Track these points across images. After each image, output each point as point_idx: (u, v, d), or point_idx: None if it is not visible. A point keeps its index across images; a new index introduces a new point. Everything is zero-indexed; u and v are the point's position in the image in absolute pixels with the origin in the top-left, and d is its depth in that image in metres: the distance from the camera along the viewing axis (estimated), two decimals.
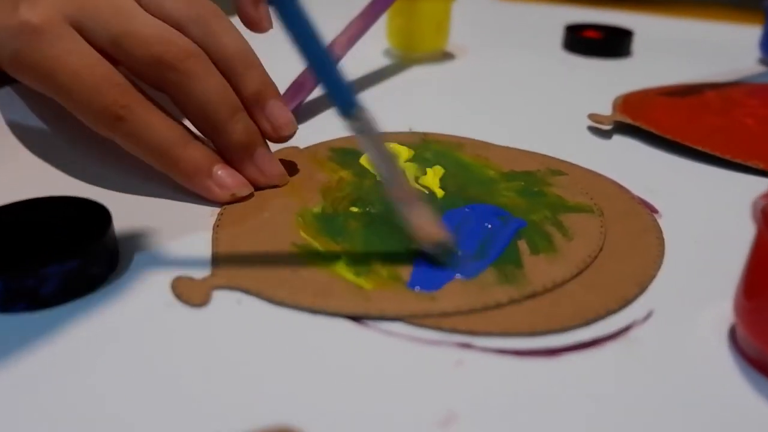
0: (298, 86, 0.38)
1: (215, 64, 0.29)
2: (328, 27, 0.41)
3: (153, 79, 0.28)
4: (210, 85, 0.28)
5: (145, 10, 0.29)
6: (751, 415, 0.19)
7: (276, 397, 0.19)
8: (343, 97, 0.24)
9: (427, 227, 0.25)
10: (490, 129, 0.37)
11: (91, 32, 0.28)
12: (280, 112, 0.31)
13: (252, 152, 0.30)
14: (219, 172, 0.29)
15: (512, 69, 0.49)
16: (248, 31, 0.32)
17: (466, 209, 0.28)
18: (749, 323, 0.21)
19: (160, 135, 0.28)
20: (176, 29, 0.29)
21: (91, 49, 0.28)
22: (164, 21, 0.29)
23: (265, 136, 0.30)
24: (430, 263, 0.25)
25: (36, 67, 0.28)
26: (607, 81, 0.47)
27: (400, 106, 0.41)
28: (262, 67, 0.31)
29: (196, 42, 0.29)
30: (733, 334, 0.22)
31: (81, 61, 0.27)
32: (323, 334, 0.22)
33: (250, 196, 0.29)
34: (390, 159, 0.25)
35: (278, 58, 0.33)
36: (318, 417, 0.18)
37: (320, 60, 0.23)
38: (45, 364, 0.20)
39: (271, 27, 0.32)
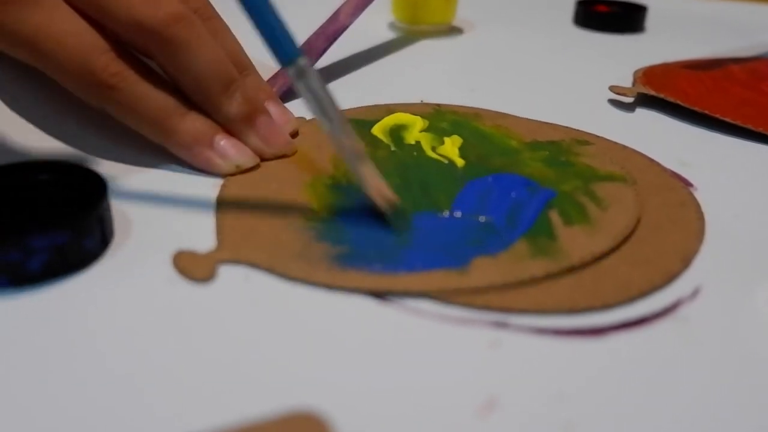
0: (306, 51, 0.36)
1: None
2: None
3: (139, 46, 0.26)
4: (201, 55, 0.26)
5: None
6: None
7: (292, 382, 0.17)
8: (283, 46, 0.22)
9: (380, 185, 0.23)
10: (505, 102, 0.35)
11: None
12: (278, 115, 0.29)
13: (253, 122, 0.27)
14: (221, 143, 0.26)
15: (522, 43, 0.47)
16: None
17: (490, 179, 0.26)
18: None
19: (154, 104, 0.26)
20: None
21: (75, 14, 0.25)
22: None
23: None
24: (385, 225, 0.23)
25: (17, 35, 0.25)
26: (621, 56, 0.45)
27: (409, 80, 0.39)
28: (257, 71, 0.30)
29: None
30: None
31: (65, 28, 0.25)
32: (342, 313, 0.20)
33: (256, 166, 0.27)
34: (335, 111, 0.23)
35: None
36: (339, 404, 0.16)
37: (258, 9, 0.22)
38: (30, 346, 0.18)
39: None
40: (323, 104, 0.23)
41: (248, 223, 0.23)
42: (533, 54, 0.45)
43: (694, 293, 0.21)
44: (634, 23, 0.51)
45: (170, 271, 0.21)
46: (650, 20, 0.52)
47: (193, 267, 0.21)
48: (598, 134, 0.32)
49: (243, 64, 0.29)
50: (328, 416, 0.16)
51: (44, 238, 0.20)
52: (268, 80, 0.34)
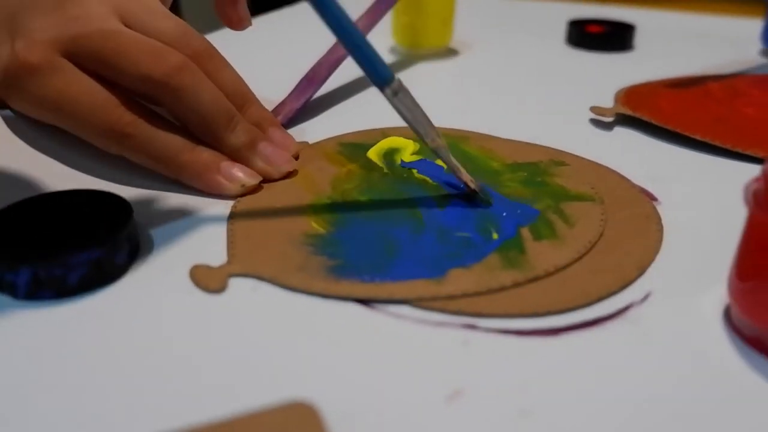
0: (307, 82, 0.39)
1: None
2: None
3: (149, 95, 0.30)
4: (203, 97, 0.30)
5: (134, 29, 0.30)
6: (747, 389, 0.20)
7: (290, 376, 0.20)
8: (379, 71, 0.28)
9: (465, 173, 0.29)
10: (495, 122, 0.38)
11: (85, 60, 0.29)
12: (280, 139, 0.33)
13: (256, 148, 0.31)
14: (226, 168, 0.30)
15: (516, 63, 0.50)
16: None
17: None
18: (743, 302, 0.22)
19: (165, 145, 0.29)
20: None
21: (87, 77, 0.29)
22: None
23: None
24: (468, 202, 0.29)
25: (42, 103, 0.29)
26: (610, 74, 0.47)
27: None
28: (258, 101, 0.33)
29: None
30: (728, 314, 0.23)
31: (81, 89, 0.29)
32: (334, 318, 0.23)
33: (260, 188, 0.30)
34: (425, 119, 0.29)
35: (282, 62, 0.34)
36: (330, 394, 0.20)
37: (356, 41, 0.27)
38: (73, 348, 0.21)
39: (250, 24, 0.35)
40: (416, 115, 0.29)
41: (255, 240, 0.27)
42: (525, 74, 0.48)
43: (645, 297, 0.24)
44: (624, 42, 0.54)
45: (188, 282, 0.24)
46: (638, 38, 0.55)
47: (208, 279, 0.25)
48: (579, 152, 0.35)
49: (245, 96, 0.32)
50: (319, 404, 0.19)
51: (82, 255, 0.23)
52: (275, 108, 0.38)
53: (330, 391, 0.20)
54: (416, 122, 0.29)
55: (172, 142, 0.29)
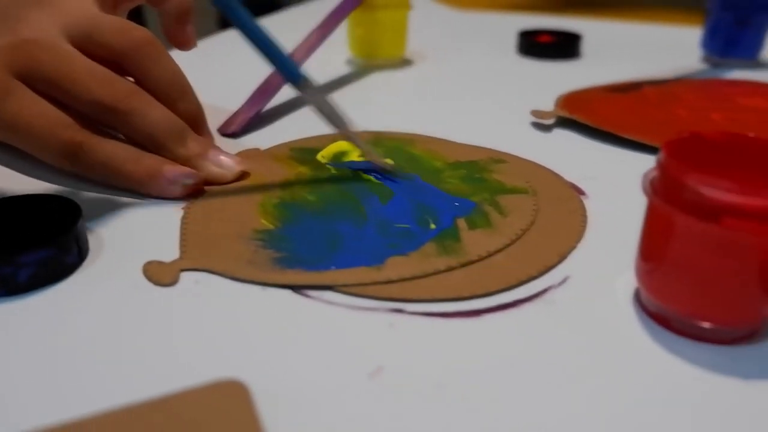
0: (261, 93, 0.41)
1: (152, 93, 0.32)
2: (295, 39, 0.44)
3: (100, 119, 0.31)
4: (153, 118, 0.32)
5: (82, 47, 0.32)
6: (652, 360, 0.22)
7: (226, 360, 0.22)
8: (291, 71, 0.33)
9: (376, 156, 0.34)
10: (445, 126, 0.40)
11: (37, 83, 0.31)
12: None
13: (206, 156, 0.33)
14: (168, 171, 0.31)
15: (469, 72, 0.52)
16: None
17: (412, 194, 0.31)
18: (646, 282, 0.23)
19: (112, 158, 0.31)
20: (114, 63, 0.32)
21: (40, 98, 0.31)
22: (101, 55, 0.31)
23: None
24: (382, 175, 0.33)
25: None
26: (557, 81, 0.50)
27: (361, 109, 0.44)
28: (193, 93, 0.34)
29: (131, 75, 0.32)
30: (638, 295, 0.25)
31: (34, 112, 0.30)
32: (273, 306, 0.24)
33: (204, 190, 0.32)
34: (337, 112, 0.33)
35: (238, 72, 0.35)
36: (262, 374, 0.21)
37: (268, 47, 0.33)
38: (22, 344, 0.23)
39: (195, 45, 0.37)
40: (327, 107, 0.33)
41: (207, 237, 0.28)
42: (476, 82, 0.50)
43: (563, 281, 0.26)
44: (571, 50, 0.56)
45: (135, 278, 0.26)
46: (585, 47, 0.57)
47: (160, 274, 0.26)
48: (518, 153, 0.36)
49: (181, 90, 0.34)
50: (251, 383, 0.20)
51: (31, 254, 0.25)
52: (230, 118, 0.39)
53: (262, 371, 0.21)
54: (329, 115, 0.33)
55: (118, 153, 0.31)
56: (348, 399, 0.20)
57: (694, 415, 0.20)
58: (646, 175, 0.23)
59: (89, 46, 0.32)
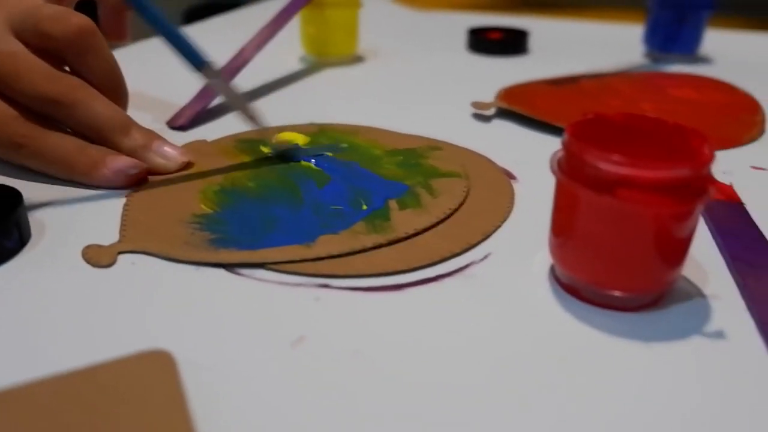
0: (208, 90, 0.42)
1: (91, 83, 0.33)
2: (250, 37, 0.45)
3: (46, 112, 0.32)
4: (97, 110, 0.33)
5: (26, 38, 0.32)
6: (563, 327, 0.23)
7: (158, 333, 0.23)
8: (194, 57, 0.34)
9: (277, 137, 0.37)
10: (390, 120, 0.41)
11: None
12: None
13: (151, 147, 0.34)
14: (111, 161, 0.32)
15: (419, 68, 0.54)
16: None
17: (348, 179, 0.33)
18: (557, 255, 0.25)
19: (56, 150, 0.32)
20: (55, 54, 0.32)
21: None
22: (44, 45, 0.32)
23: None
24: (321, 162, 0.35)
25: None
26: (505, 76, 0.51)
27: (312, 104, 0.45)
28: (124, 88, 0.35)
29: (71, 65, 0.33)
30: (553, 269, 0.26)
31: None
32: (205, 284, 0.25)
33: (147, 180, 0.33)
34: (238, 96, 0.36)
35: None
36: (189, 345, 0.22)
37: (172, 35, 0.34)
38: None
39: (127, 39, 0.38)
40: (230, 92, 0.35)
41: (146, 221, 0.29)
42: (427, 77, 0.52)
43: (484, 257, 0.27)
44: (519, 46, 0.58)
45: (74, 262, 0.26)
46: (533, 43, 0.59)
47: (98, 256, 0.27)
48: (458, 142, 0.38)
49: (114, 84, 0.35)
50: (179, 354, 0.21)
51: None
52: (179, 112, 0.40)
53: (189, 344, 0.22)
54: (232, 99, 0.36)
55: (62, 145, 0.32)
56: (269, 367, 0.21)
57: (600, 377, 0.21)
58: (553, 156, 0.24)
59: (32, 38, 0.32)
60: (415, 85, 0.49)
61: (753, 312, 0.24)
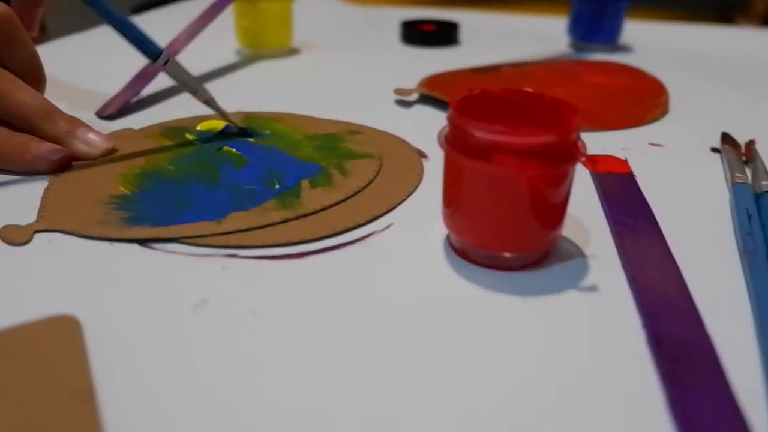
0: (139, 78, 0.43)
1: (12, 72, 0.34)
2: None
3: None
4: (22, 99, 0.33)
5: None
6: (455, 286, 0.25)
7: (69, 302, 0.24)
8: (150, 47, 0.37)
9: (232, 115, 0.39)
10: (318, 108, 0.43)
11: None
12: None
13: (75, 134, 0.35)
14: (34, 147, 0.33)
15: (352, 60, 0.56)
16: None
17: (264, 161, 0.34)
18: (448, 222, 0.27)
19: None
20: None
21: None
22: None
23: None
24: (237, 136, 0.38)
25: None
26: (435, 66, 0.53)
27: (244, 94, 0.46)
28: (44, 75, 0.36)
29: None
30: (448, 238, 0.28)
31: None
32: (117, 258, 0.27)
33: (71, 165, 0.34)
34: (192, 79, 0.38)
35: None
36: (97, 312, 0.23)
37: (125, 26, 0.36)
38: None
39: (35, 32, 0.39)
40: (185, 78, 0.37)
41: (64, 203, 0.30)
42: (359, 68, 0.53)
43: (386, 228, 0.29)
44: (450, 38, 0.60)
45: None
46: (463, 35, 0.62)
47: (14, 235, 0.28)
48: (380, 127, 0.40)
49: (40, 70, 0.36)
50: (86, 321, 0.23)
51: None
52: (107, 102, 0.41)
53: (97, 311, 0.23)
54: (187, 83, 0.37)
55: None
56: (170, 327, 0.23)
57: (485, 329, 0.23)
58: (441, 131, 0.26)
59: None
60: (347, 76, 0.51)
61: (626, 270, 0.26)
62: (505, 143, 0.24)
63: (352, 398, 0.20)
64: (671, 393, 0.20)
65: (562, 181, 0.25)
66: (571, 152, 0.24)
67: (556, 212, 0.26)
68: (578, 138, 0.25)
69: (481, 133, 0.24)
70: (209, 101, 0.38)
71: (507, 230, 0.25)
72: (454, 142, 0.25)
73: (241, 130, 0.38)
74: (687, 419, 0.20)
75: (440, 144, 0.26)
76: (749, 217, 0.29)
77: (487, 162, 0.24)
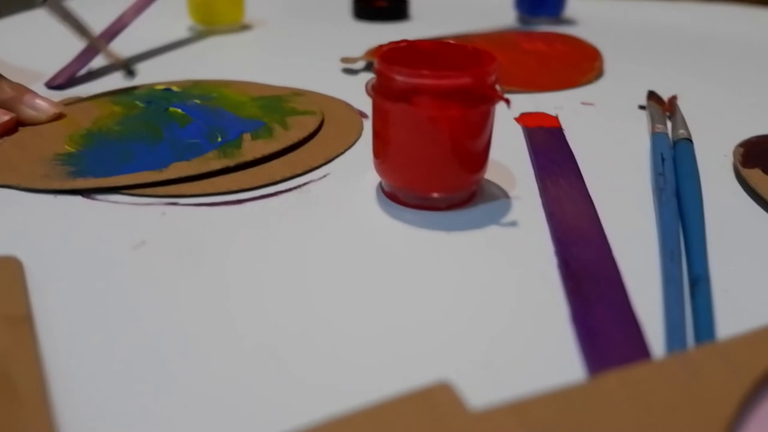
0: (88, 50, 0.43)
1: None
2: None
3: None
4: None
5: None
6: (385, 226, 0.27)
7: (14, 250, 0.25)
8: None
9: (114, 54, 0.42)
10: (266, 77, 0.44)
11: None
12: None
13: (22, 99, 0.35)
14: None
15: (305, 34, 0.57)
16: None
17: (208, 118, 0.35)
18: (379, 167, 0.28)
19: None
20: None
21: None
22: None
23: None
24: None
25: None
26: (385, 40, 0.54)
27: (193, 67, 0.47)
28: None
29: None
30: (381, 185, 0.30)
31: None
32: (61, 209, 0.28)
33: (17, 129, 0.35)
34: (78, 22, 0.40)
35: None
36: (39, 254, 0.24)
37: None
38: None
39: None
40: (71, 21, 0.39)
41: (10, 161, 0.31)
42: (310, 42, 0.54)
43: (323, 177, 0.30)
44: (401, 13, 0.62)
45: None
46: (414, 10, 0.63)
47: None
48: (325, 92, 0.41)
49: None
50: (27, 262, 0.24)
51: None
52: (57, 72, 0.42)
53: (40, 254, 0.25)
54: (72, 27, 0.40)
55: None
56: (111, 267, 0.24)
57: (414, 262, 0.25)
58: (368, 82, 0.28)
59: None
60: (298, 50, 0.52)
61: (545, 207, 0.28)
62: (425, 85, 0.25)
63: (291, 331, 0.21)
64: (575, 307, 0.22)
65: (481, 122, 0.26)
66: (488, 94, 0.26)
67: (478, 154, 0.27)
68: (495, 82, 0.26)
69: (402, 78, 0.25)
70: (97, 44, 0.40)
71: (432, 171, 0.27)
72: (379, 88, 0.27)
73: (128, 71, 0.41)
74: (588, 329, 0.21)
75: (367, 92, 0.27)
76: (663, 160, 0.31)
77: (408, 104, 0.26)
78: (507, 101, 0.26)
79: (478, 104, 0.26)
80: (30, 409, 0.18)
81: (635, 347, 0.21)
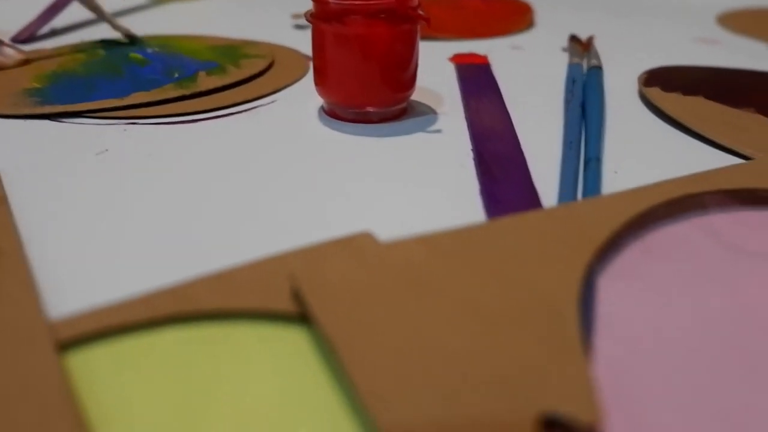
0: (52, 7, 0.46)
1: None
2: None
3: None
4: None
5: None
6: (327, 137, 0.30)
7: None
8: None
9: (121, 25, 0.43)
10: (227, 33, 0.47)
11: None
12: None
13: None
14: None
15: (263, 2, 0.60)
16: None
17: (165, 60, 0.38)
18: (319, 88, 0.32)
19: None
20: None
21: None
22: None
23: None
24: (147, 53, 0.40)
25: None
26: None
27: (155, 30, 0.50)
28: None
29: None
30: (323, 107, 0.33)
31: None
32: (32, 133, 0.30)
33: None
34: None
35: None
36: (16, 165, 0.27)
37: None
38: None
39: None
40: None
41: None
42: (268, 8, 0.57)
43: (271, 102, 0.34)
44: None
45: None
46: None
47: None
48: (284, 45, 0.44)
49: None
50: (6, 173, 0.27)
51: None
52: (23, 28, 0.45)
53: (16, 163, 0.27)
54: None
55: None
56: (76, 171, 0.27)
57: (349, 163, 0.28)
58: (307, 11, 0.31)
59: None
60: (256, 16, 0.55)
61: (467, 118, 0.32)
62: (355, 6, 0.29)
63: (238, 229, 0.25)
64: (483, 184, 0.26)
65: (407, 40, 0.30)
66: (411, 15, 0.29)
67: (405, 70, 0.31)
68: (418, 6, 0.30)
69: (335, 0, 0.29)
70: (95, 8, 0.42)
71: (365, 86, 0.30)
72: (316, 14, 0.30)
73: (130, 38, 0.43)
74: (493, 198, 0.25)
75: (306, 19, 0.31)
76: (573, 82, 0.35)
77: (342, 24, 0.29)
78: (428, 20, 0.30)
79: (403, 23, 0.29)
80: (11, 266, 0.21)
81: (531, 208, 0.24)
